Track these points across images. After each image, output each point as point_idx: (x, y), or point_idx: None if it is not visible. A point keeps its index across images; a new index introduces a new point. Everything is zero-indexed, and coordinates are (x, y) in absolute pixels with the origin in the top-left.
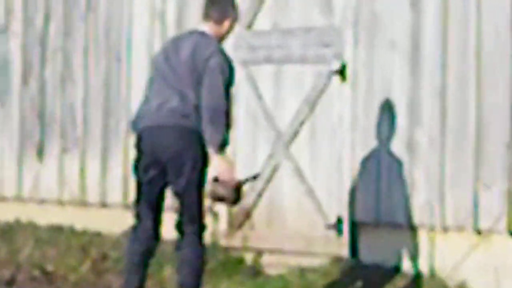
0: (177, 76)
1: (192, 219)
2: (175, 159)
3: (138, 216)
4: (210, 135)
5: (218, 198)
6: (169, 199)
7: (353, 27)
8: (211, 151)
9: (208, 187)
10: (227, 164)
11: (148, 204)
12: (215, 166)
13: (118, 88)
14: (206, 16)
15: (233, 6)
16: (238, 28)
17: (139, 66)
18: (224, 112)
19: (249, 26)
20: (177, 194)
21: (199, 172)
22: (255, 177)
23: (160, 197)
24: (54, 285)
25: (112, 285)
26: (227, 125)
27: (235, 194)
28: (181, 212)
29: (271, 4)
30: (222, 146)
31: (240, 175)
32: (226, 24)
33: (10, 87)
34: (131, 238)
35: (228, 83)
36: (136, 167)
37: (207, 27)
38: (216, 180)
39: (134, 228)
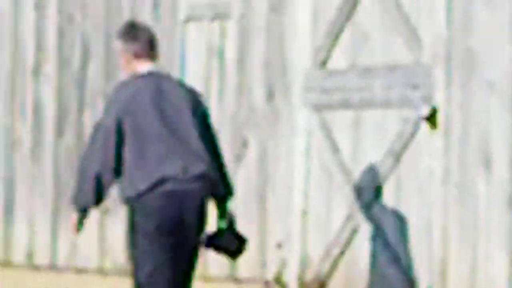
0: (182, 133)
1: None
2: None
3: None
4: (230, 183)
5: (220, 248)
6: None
7: (445, 65)
8: (229, 199)
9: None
10: None
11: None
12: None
13: None
14: (152, 55)
15: None
16: (309, 67)
17: None
18: None
19: (323, 64)
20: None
21: None
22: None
23: None
24: None
25: None
26: None
27: (240, 245)
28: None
29: (348, 39)
30: None
31: (311, 239)
32: None
33: (42, 138)
34: None
35: None
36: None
37: (154, 66)
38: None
39: None
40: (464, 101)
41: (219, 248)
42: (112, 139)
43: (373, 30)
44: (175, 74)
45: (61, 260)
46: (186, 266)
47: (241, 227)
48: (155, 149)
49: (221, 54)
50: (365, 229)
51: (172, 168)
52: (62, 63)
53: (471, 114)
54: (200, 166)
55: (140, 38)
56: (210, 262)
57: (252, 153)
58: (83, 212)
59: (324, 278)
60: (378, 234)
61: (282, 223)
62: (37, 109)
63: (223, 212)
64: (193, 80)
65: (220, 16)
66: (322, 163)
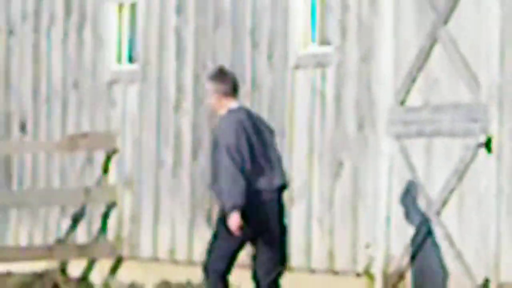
0: (269, 153)
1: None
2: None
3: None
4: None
5: None
6: None
7: (498, 103)
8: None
9: None
10: None
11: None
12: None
13: None
14: (236, 93)
15: None
16: (392, 104)
17: (298, 139)
18: None
19: (402, 102)
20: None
21: None
22: None
23: None
24: None
25: None
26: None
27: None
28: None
29: (422, 82)
30: None
31: (393, 240)
32: None
33: (181, 160)
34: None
35: None
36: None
37: (239, 103)
38: None
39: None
40: None
41: None
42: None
43: (441, 75)
44: (287, 110)
45: (196, 256)
46: None
47: (338, 231)
48: (259, 166)
49: (322, 94)
50: (435, 232)
51: (269, 183)
52: (197, 101)
53: None
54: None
55: (227, 81)
56: (313, 256)
57: (346, 172)
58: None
59: (403, 271)
60: (445, 237)
61: (370, 228)
62: (177, 138)
63: (281, 213)
64: (301, 115)
65: (321, 64)
66: (401, 180)
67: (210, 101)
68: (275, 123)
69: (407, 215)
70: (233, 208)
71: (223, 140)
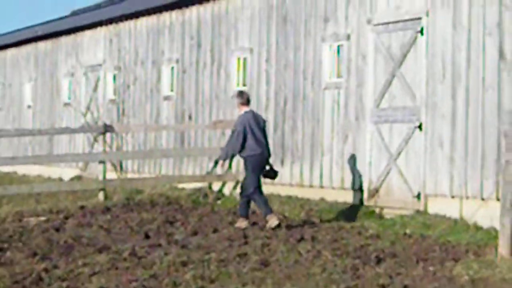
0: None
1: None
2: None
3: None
4: (270, 153)
5: (268, 176)
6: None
7: (425, 106)
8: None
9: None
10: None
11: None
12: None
13: None
14: (248, 103)
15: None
16: (372, 107)
17: (326, 124)
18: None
19: (378, 105)
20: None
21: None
22: (268, 172)
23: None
24: None
25: None
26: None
27: (275, 175)
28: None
29: (387, 96)
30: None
31: (372, 172)
32: None
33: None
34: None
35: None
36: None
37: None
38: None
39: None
40: None
41: (268, 176)
42: (242, 135)
43: (397, 93)
44: (321, 110)
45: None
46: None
47: (347, 169)
48: (256, 140)
49: (337, 103)
50: (393, 169)
51: (261, 148)
52: (277, 106)
53: None
54: (266, 150)
55: (243, 96)
56: (333, 180)
57: (349, 141)
58: (230, 159)
59: (377, 188)
60: (398, 171)
61: (361, 167)
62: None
63: (268, 163)
64: (327, 113)
65: (337, 87)
66: (376, 145)
67: (237, 108)
68: (314, 117)
69: (379, 161)
70: (223, 158)
71: (235, 127)
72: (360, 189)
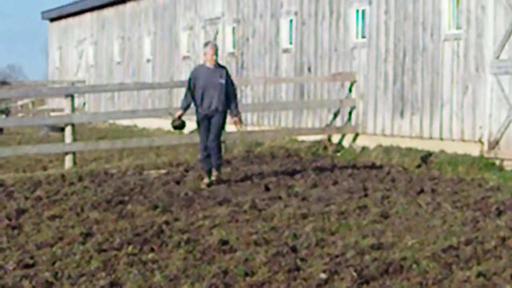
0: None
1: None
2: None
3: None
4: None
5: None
6: None
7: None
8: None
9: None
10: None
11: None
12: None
13: None
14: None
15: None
16: (492, 58)
17: (445, 67)
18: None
19: (498, 57)
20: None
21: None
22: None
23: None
24: None
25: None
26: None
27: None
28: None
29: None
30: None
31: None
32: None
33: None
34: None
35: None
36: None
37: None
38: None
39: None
40: None
41: (177, 128)
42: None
43: None
44: (440, 59)
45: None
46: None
47: (417, 115)
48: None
49: (457, 54)
50: None
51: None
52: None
53: None
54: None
55: (211, 48)
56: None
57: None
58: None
59: (498, 140)
60: None
61: (484, 117)
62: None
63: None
64: (446, 61)
65: (456, 38)
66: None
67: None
68: (434, 69)
69: (499, 113)
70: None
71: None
72: (480, 141)
